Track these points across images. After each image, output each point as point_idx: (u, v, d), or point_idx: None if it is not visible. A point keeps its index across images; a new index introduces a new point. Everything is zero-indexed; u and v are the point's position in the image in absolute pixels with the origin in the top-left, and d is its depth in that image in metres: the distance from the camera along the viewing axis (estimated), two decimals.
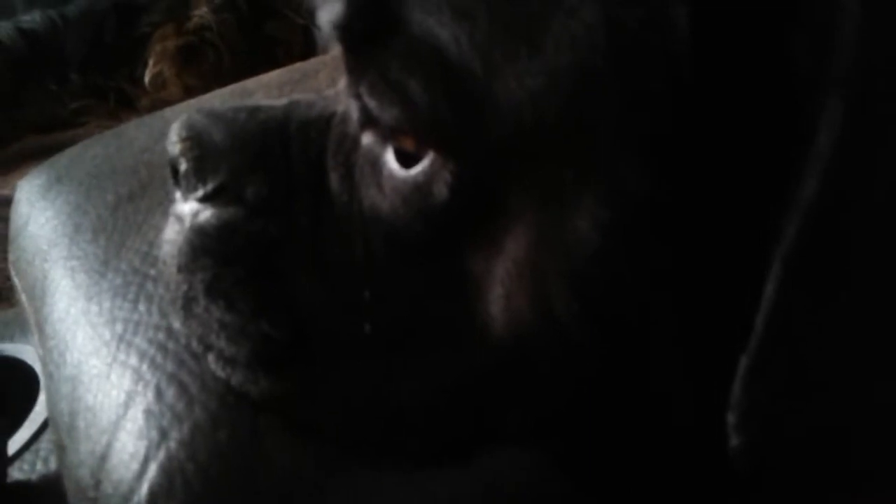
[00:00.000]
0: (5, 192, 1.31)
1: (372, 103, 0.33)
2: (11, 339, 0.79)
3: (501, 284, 0.33)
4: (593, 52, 0.29)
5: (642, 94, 0.29)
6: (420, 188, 0.33)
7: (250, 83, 0.78)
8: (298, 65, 0.85)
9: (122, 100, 1.73)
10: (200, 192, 0.40)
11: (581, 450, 0.37)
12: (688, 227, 0.30)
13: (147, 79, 1.71)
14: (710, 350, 0.31)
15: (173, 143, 0.41)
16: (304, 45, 1.72)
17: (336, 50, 0.36)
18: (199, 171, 0.40)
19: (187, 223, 0.40)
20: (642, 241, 0.30)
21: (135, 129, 0.71)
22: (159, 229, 0.45)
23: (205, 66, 1.68)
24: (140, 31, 1.77)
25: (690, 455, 0.35)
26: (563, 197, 0.30)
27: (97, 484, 0.40)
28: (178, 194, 0.41)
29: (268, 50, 1.70)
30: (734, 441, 0.28)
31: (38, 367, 0.57)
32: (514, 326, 0.33)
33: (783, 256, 0.26)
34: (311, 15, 1.74)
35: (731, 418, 0.28)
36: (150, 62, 1.71)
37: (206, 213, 0.39)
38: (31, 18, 1.77)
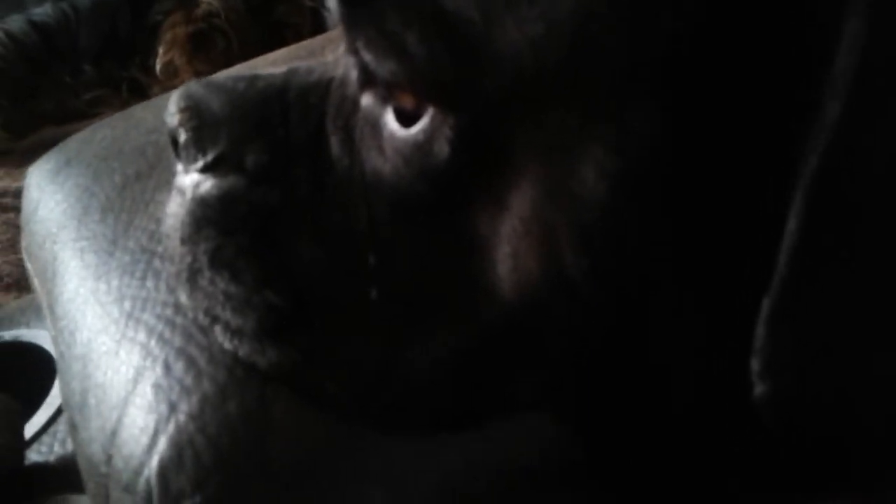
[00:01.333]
0: (23, 183, 1.31)
1: (369, 58, 0.32)
2: (28, 325, 0.80)
3: (508, 243, 0.32)
4: None
5: (648, 36, 0.28)
6: (421, 147, 0.32)
7: (258, 61, 0.78)
8: (305, 42, 0.84)
9: (135, 89, 1.73)
10: (200, 163, 0.39)
11: (592, 415, 0.36)
12: (698, 171, 0.29)
13: (158, 67, 1.71)
14: (725, 300, 0.30)
15: (172, 115, 0.40)
16: (314, 28, 1.71)
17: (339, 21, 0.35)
18: (199, 142, 0.39)
19: (189, 195, 0.39)
20: (651, 188, 0.29)
21: (142, 111, 0.71)
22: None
23: (215, 53, 1.68)
24: (151, 20, 1.77)
25: (707, 417, 0.34)
26: (568, 148, 0.29)
27: (108, 459, 0.40)
28: (179, 166, 0.41)
29: (277, 34, 1.69)
30: (758, 389, 0.27)
31: (53, 352, 0.57)
32: (521, 286, 0.32)
33: (805, 186, 0.25)
34: None
35: (754, 364, 0.27)
36: (161, 51, 1.71)
37: (207, 184, 0.39)
38: (43, 11, 1.78)
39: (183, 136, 0.39)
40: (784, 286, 0.26)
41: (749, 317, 0.27)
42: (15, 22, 1.74)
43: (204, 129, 0.39)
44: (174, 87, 1.58)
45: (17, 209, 1.30)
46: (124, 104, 1.65)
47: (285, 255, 0.37)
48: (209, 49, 1.69)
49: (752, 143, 0.28)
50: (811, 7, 0.25)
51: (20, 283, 1.10)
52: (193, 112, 0.39)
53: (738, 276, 0.29)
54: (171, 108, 0.40)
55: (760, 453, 0.31)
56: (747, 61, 0.27)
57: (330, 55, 0.44)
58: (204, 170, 0.39)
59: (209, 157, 0.39)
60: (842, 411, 0.27)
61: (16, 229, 1.29)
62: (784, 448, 0.30)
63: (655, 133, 0.28)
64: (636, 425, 0.35)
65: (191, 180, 0.39)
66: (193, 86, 0.41)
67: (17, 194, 1.33)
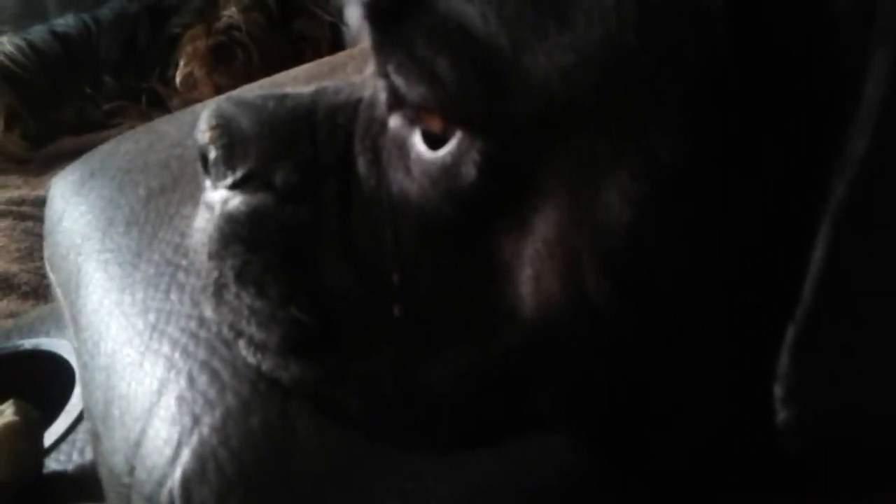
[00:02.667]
0: (42, 192, 1.33)
1: (399, 81, 0.32)
2: (47, 333, 0.81)
3: (531, 265, 0.32)
4: (623, 26, 0.28)
5: (675, 65, 0.28)
6: (448, 169, 0.33)
7: (280, 77, 0.79)
8: (327, 59, 0.85)
9: (154, 101, 1.75)
10: (230, 180, 0.40)
11: (614, 431, 0.36)
12: (723, 198, 0.29)
13: (178, 79, 1.73)
14: (751, 321, 0.30)
15: (202, 132, 0.41)
16: (333, 43, 1.73)
17: (364, 42, 0.36)
18: (229, 159, 0.40)
19: (217, 210, 0.40)
20: (677, 214, 0.29)
21: (166, 124, 0.72)
22: (191, 221, 0.46)
23: (234, 66, 1.70)
24: (171, 32, 1.79)
25: (730, 433, 0.34)
26: (593, 173, 0.30)
27: (131, 470, 0.40)
28: (207, 182, 0.41)
29: (296, 48, 1.71)
30: (781, 415, 0.27)
31: (73, 361, 0.57)
32: (544, 307, 0.33)
33: (833, 215, 0.25)
34: (338, 12, 1.75)
35: (777, 391, 0.27)
36: (181, 63, 1.72)
37: (236, 200, 0.39)
38: (65, 22, 1.80)
39: (213, 153, 0.40)
40: (809, 314, 0.26)
41: (773, 340, 0.27)
42: (37, 32, 1.76)
43: (234, 146, 0.40)
44: (193, 99, 1.60)
45: (35, 217, 1.31)
46: (143, 115, 1.67)
47: (311, 273, 0.37)
48: (229, 62, 1.71)
49: (779, 171, 0.28)
50: (839, 40, 0.26)
51: (38, 292, 1.11)
52: (224, 130, 0.40)
53: (763, 300, 0.29)
54: (201, 126, 0.41)
55: (767, 460, 0.32)
56: (774, 90, 0.28)
57: (355, 75, 0.45)
58: (233, 186, 0.39)
59: (238, 175, 0.39)
60: (864, 438, 0.27)
61: (34, 237, 1.30)
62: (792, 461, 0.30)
63: (682, 160, 0.29)
64: (652, 439, 0.35)
65: (219, 196, 0.40)
66: (224, 103, 0.42)
67: (36, 203, 1.34)
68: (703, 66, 0.28)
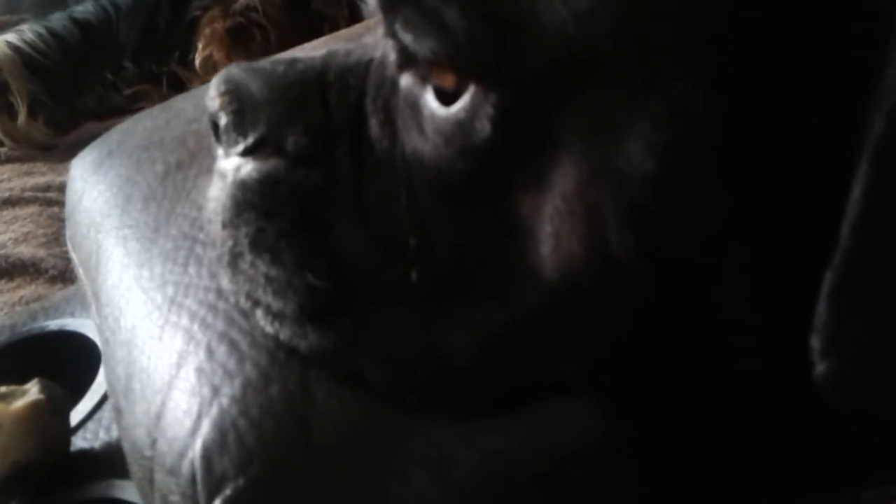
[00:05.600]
0: (65, 178, 1.33)
1: (408, 38, 0.31)
2: (73, 314, 0.81)
3: (551, 222, 0.31)
4: None
5: (698, 9, 0.27)
6: (462, 125, 0.32)
7: (296, 51, 0.78)
8: (342, 31, 0.85)
9: (174, 84, 1.75)
10: (241, 146, 0.39)
11: (638, 395, 0.35)
12: (750, 144, 0.28)
13: (198, 62, 1.73)
14: (782, 272, 0.29)
15: (212, 98, 0.40)
16: (351, 20, 1.72)
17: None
18: (239, 125, 0.39)
19: (230, 178, 0.39)
20: (700, 163, 0.28)
21: (182, 101, 0.72)
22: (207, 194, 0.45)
23: (253, 47, 1.69)
24: (190, 15, 1.79)
25: (759, 397, 0.33)
26: (613, 123, 0.29)
27: (153, 443, 0.40)
28: (219, 151, 0.41)
29: (315, 26, 1.70)
30: (819, 368, 0.26)
31: (98, 340, 0.57)
32: (565, 266, 0.31)
33: (870, 151, 0.24)
34: None
35: (815, 342, 0.26)
36: (200, 46, 1.72)
37: (248, 167, 0.39)
38: (84, 9, 1.80)
39: (223, 120, 0.39)
40: (848, 258, 0.25)
41: (809, 294, 0.26)
42: (57, 20, 1.76)
43: (244, 112, 0.39)
44: None
45: (60, 203, 1.32)
46: (164, 99, 1.66)
47: (326, 238, 0.37)
48: (248, 43, 1.70)
49: (813, 114, 0.27)
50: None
51: (65, 276, 1.12)
52: (234, 95, 0.39)
53: (799, 250, 0.28)
54: (211, 92, 0.40)
55: (818, 436, 0.31)
56: (806, 28, 0.26)
57: (369, 37, 0.43)
58: (244, 153, 0.39)
59: (249, 141, 0.39)
60: None
61: (60, 223, 1.31)
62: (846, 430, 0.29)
63: (705, 107, 0.27)
64: (677, 403, 0.34)
65: (231, 164, 0.39)
66: (234, 69, 0.41)
67: (61, 189, 1.35)
68: (727, 10, 0.27)
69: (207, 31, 1.74)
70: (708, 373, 0.33)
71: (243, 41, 1.72)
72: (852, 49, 0.25)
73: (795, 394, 0.29)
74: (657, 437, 0.36)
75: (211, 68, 1.72)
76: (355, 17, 1.75)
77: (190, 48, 1.77)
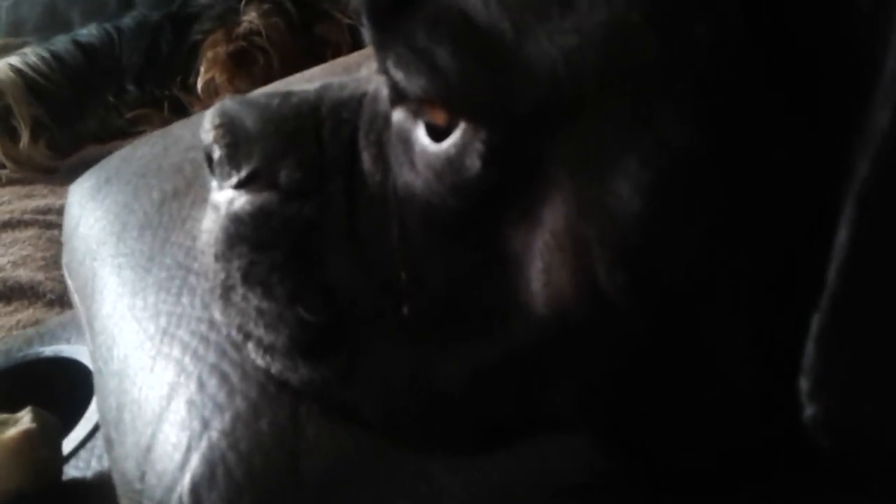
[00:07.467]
0: (65, 200, 1.34)
1: (399, 76, 0.32)
2: (69, 340, 0.81)
3: (541, 258, 0.31)
4: (629, 5, 0.27)
5: (685, 45, 0.27)
6: (452, 162, 0.32)
7: (294, 78, 0.79)
8: (341, 59, 0.85)
9: (176, 108, 1.76)
10: (234, 179, 0.39)
11: (631, 429, 0.35)
12: (737, 183, 0.28)
13: (199, 86, 1.74)
14: (773, 313, 0.29)
15: (206, 131, 0.40)
16: (353, 46, 1.73)
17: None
18: (233, 158, 0.39)
19: (223, 211, 0.39)
20: (688, 201, 0.28)
21: (181, 129, 0.72)
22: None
23: (255, 71, 1.70)
24: (192, 39, 1.80)
25: (751, 430, 0.33)
26: (601, 161, 0.29)
27: (142, 475, 0.40)
28: (213, 183, 0.41)
29: (317, 52, 1.71)
30: (808, 410, 0.26)
31: (92, 368, 0.57)
32: (556, 301, 0.31)
33: (856, 194, 0.24)
34: (357, 14, 1.75)
35: (803, 384, 0.26)
36: (202, 69, 1.73)
37: (241, 200, 0.39)
38: (88, 32, 1.82)
39: (217, 153, 0.40)
40: (834, 300, 0.25)
41: (796, 334, 0.26)
42: (60, 43, 1.78)
43: (238, 145, 0.39)
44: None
45: (60, 226, 1.31)
46: (166, 123, 1.67)
47: (318, 271, 0.37)
48: (250, 67, 1.71)
49: (799, 155, 0.27)
50: (857, 14, 0.25)
51: (63, 300, 1.12)
52: (228, 128, 0.40)
53: (785, 291, 0.28)
54: (206, 125, 0.41)
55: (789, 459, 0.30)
56: (789, 69, 0.26)
57: (364, 70, 0.44)
58: (238, 186, 0.39)
59: (243, 174, 0.39)
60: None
61: (59, 246, 1.31)
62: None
63: (692, 144, 0.27)
64: (669, 437, 0.34)
65: (225, 197, 0.39)
66: (228, 102, 0.41)
67: (61, 212, 1.34)
68: (714, 45, 0.27)
69: (210, 54, 1.75)
70: (700, 406, 0.33)
71: (246, 65, 1.73)
72: (837, 93, 0.25)
73: (790, 424, 0.29)
74: (649, 469, 0.36)
75: (213, 92, 1.72)
76: (357, 42, 1.76)
77: (192, 72, 1.78)
